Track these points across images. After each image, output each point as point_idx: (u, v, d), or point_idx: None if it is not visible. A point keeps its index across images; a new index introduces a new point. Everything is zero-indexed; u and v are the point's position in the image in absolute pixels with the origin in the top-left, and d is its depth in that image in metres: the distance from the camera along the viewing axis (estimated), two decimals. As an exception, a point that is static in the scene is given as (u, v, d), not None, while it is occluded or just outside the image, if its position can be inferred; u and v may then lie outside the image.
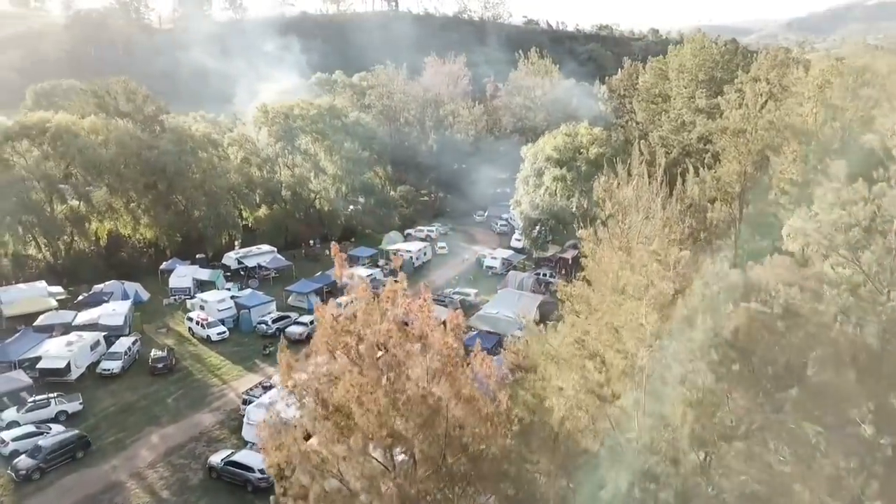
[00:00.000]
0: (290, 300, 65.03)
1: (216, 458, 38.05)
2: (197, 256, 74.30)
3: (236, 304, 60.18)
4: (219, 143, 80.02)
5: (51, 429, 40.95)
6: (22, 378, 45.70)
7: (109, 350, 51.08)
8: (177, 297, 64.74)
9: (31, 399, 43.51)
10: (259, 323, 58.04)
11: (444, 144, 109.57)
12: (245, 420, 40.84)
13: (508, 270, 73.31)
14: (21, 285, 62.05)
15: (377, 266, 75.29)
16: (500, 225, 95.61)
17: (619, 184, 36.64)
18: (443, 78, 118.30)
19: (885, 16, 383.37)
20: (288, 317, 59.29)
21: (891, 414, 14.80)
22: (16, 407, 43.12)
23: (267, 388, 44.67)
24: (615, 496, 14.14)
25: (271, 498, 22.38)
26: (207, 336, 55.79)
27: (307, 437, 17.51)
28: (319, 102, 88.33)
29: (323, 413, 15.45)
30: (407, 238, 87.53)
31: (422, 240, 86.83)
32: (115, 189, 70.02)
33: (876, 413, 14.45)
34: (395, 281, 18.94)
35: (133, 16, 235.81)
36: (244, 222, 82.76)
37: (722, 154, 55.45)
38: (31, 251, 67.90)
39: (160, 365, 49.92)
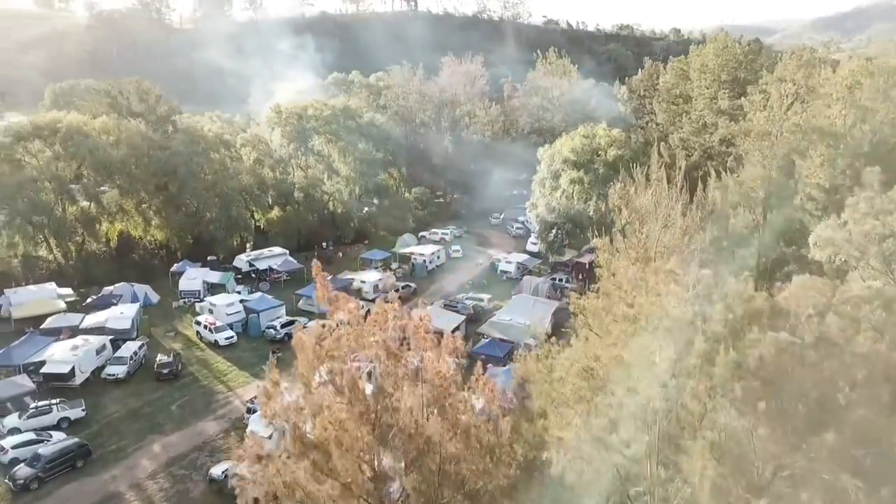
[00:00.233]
0: (300, 304, 63.99)
1: (217, 470, 36.95)
2: (208, 258, 73.52)
3: (245, 307, 59.22)
4: (231, 144, 79.25)
5: (51, 436, 40.11)
6: (25, 383, 44.96)
7: (115, 355, 50.27)
8: (186, 300, 63.94)
9: (32, 405, 42.71)
10: (268, 327, 57.02)
11: (459, 145, 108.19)
12: (248, 430, 39.68)
13: (523, 275, 71.65)
14: (31, 287, 61.58)
15: (389, 269, 74.09)
16: (516, 228, 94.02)
17: (636, 189, 35.01)
18: (460, 78, 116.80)
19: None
20: (297, 321, 58.16)
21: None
22: (18, 413, 42.38)
23: (272, 397, 43.49)
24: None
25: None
26: (215, 341, 54.88)
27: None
28: (333, 103, 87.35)
29: (300, 450, 14.15)
30: (421, 241, 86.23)
31: (436, 242, 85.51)
32: (125, 190, 69.45)
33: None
34: (387, 301, 17.42)
35: (154, 16, 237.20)
36: (256, 223, 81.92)
37: (745, 157, 53.44)
38: (42, 252, 67.45)
39: (165, 370, 49.04)
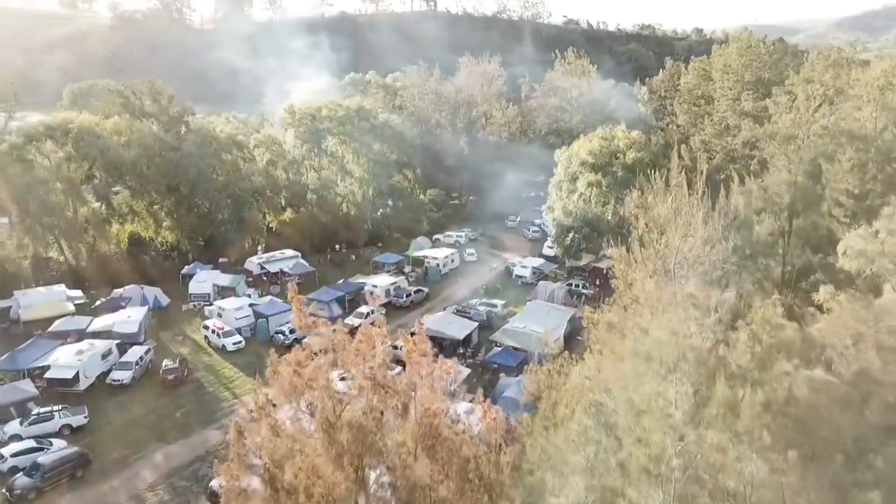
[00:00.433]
0: (311, 308, 62.71)
1: (217, 483, 35.80)
2: (220, 261, 72.75)
3: (254, 312, 58.22)
4: (244, 145, 78.44)
5: (52, 444, 39.26)
6: (28, 388, 44.25)
7: (121, 359, 49.44)
8: (196, 303, 63.10)
9: (34, 411, 41.97)
10: (276, 333, 55.94)
11: (475, 147, 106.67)
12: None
13: (539, 280, 69.97)
14: (40, 288, 61.09)
15: (402, 273, 72.83)
16: (532, 231, 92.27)
17: (654, 196, 33.35)
18: (477, 78, 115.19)
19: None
20: (306, 327, 57.02)
21: None
22: (19, 419, 41.65)
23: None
24: None
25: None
26: (223, 346, 53.92)
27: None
28: (348, 104, 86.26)
29: (271, 496, 12.84)
30: (435, 244, 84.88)
31: (450, 245, 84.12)
32: (136, 191, 68.86)
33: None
34: (373, 323, 16.02)
35: (175, 16, 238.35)
36: (268, 224, 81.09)
37: (770, 161, 51.41)
38: (53, 254, 67.02)
39: (171, 377, 48.13)
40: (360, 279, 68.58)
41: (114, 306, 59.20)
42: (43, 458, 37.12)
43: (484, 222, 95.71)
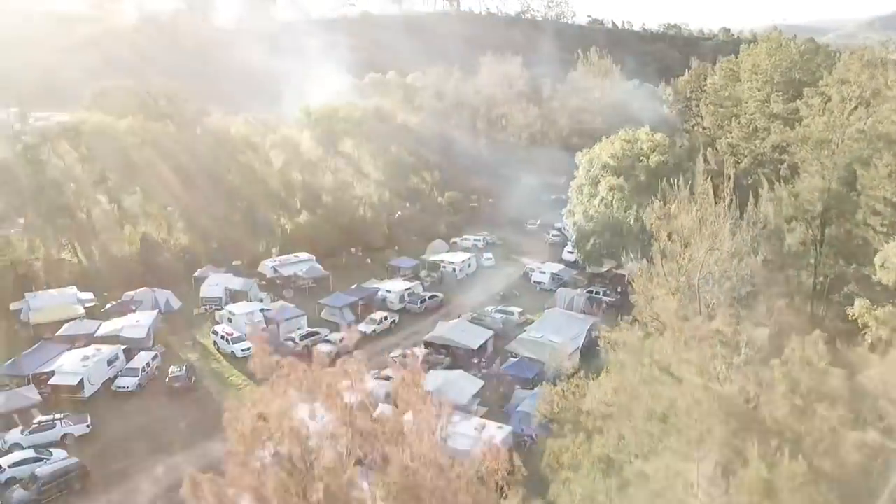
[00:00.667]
0: (323, 314, 61.56)
1: (217, 500, 34.41)
2: (233, 263, 71.74)
3: (265, 317, 56.98)
4: (259, 146, 77.42)
5: (51, 454, 38.22)
6: (31, 395, 43.37)
7: (127, 366, 48.45)
8: (207, 307, 62.07)
9: (35, 420, 41.04)
10: (286, 339, 54.59)
11: (495, 148, 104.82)
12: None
13: (558, 287, 67.92)
14: (51, 291, 60.39)
15: (418, 279, 71.27)
16: (553, 235, 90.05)
17: (678, 204, 31.33)
18: (498, 79, 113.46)
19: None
20: (317, 333, 55.69)
21: None
22: (20, 427, 40.75)
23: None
24: None
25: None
26: (232, 352, 52.69)
27: None
28: (365, 104, 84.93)
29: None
30: (452, 247, 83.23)
31: (467, 249, 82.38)
32: (149, 193, 68.12)
33: None
34: (351, 354, 14.36)
35: (199, 17, 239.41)
36: (283, 227, 79.96)
37: (801, 166, 49.00)
38: (66, 255, 66.45)
39: (177, 384, 46.98)
40: (373, 284, 67.15)
41: (124, 310, 58.35)
42: (41, 470, 36.10)
43: (503, 225, 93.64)
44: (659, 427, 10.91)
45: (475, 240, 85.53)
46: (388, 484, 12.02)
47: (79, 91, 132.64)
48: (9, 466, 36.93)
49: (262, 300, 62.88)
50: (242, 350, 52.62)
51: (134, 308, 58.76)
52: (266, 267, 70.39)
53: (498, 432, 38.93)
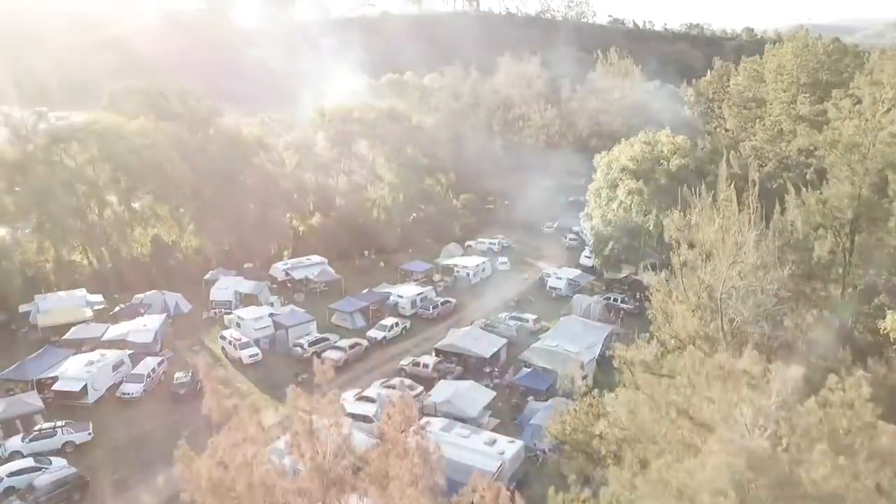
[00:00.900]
0: (334, 319, 60.40)
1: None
2: (245, 266, 70.91)
3: (274, 322, 55.92)
4: (272, 147, 76.51)
5: (51, 463, 37.34)
6: (34, 401, 42.57)
7: (132, 371, 47.56)
8: (216, 310, 61.18)
9: (36, 427, 40.24)
10: (295, 345, 53.52)
11: (512, 149, 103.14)
12: (255, 468, 36.00)
13: (574, 293, 66.19)
14: (61, 293, 59.85)
15: (431, 283, 69.94)
16: (570, 239, 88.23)
17: (700, 212, 29.61)
18: (515, 79, 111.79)
19: None
20: (326, 339, 54.54)
21: None
22: (21, 434, 39.96)
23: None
24: None
25: None
26: (239, 358, 51.67)
27: None
28: (380, 105, 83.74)
29: None
30: (467, 250, 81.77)
31: (482, 253, 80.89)
32: (159, 194, 67.44)
33: None
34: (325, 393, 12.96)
35: (220, 16, 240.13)
36: (296, 229, 79.02)
37: (830, 171, 46.84)
38: (76, 257, 65.94)
39: (182, 391, 46.00)
40: (385, 288, 65.92)
41: (132, 313, 57.64)
42: (39, 481, 35.19)
43: (519, 228, 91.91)
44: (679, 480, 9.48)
45: (490, 243, 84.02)
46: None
47: (101, 91, 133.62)
48: (7, 476, 36.03)
49: (272, 304, 61.95)
50: (250, 356, 51.74)
51: (143, 311, 58.06)
52: (277, 270, 69.50)
53: (509, 447, 37.53)
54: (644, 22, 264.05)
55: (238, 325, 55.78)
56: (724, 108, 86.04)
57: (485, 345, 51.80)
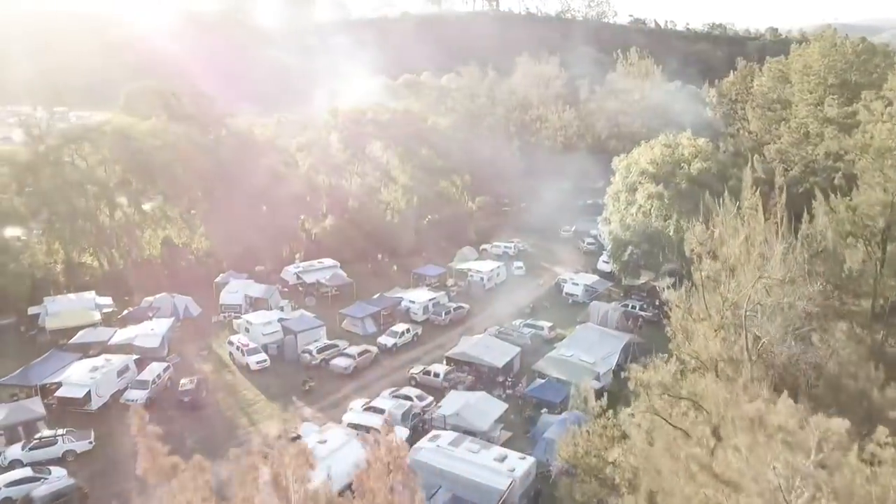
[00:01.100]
0: (344, 324, 59.21)
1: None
2: (256, 269, 69.96)
3: (283, 327, 54.80)
4: (285, 149, 75.54)
5: (50, 473, 36.43)
6: (36, 407, 41.76)
7: (137, 377, 46.65)
8: (226, 314, 60.26)
9: (37, 435, 39.41)
10: (303, 351, 52.35)
11: (529, 151, 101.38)
12: (256, 482, 34.79)
13: (591, 300, 64.42)
14: (70, 295, 59.21)
15: (445, 287, 68.56)
16: (588, 243, 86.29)
17: (723, 223, 27.91)
18: (533, 80, 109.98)
19: None
20: (335, 345, 53.33)
21: None
22: (22, 442, 39.15)
23: (292, 440, 38.54)
24: None
25: None
26: (246, 364, 50.62)
27: None
28: (395, 106, 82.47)
29: None
30: (482, 254, 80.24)
31: (497, 257, 79.37)
32: (170, 196, 66.70)
33: None
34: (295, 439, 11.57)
35: (241, 17, 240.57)
36: (310, 229, 77.94)
37: (860, 177, 44.74)
38: (87, 259, 65.37)
39: (186, 398, 44.98)
40: (398, 293, 64.67)
41: (140, 316, 56.85)
42: (37, 492, 34.30)
43: (535, 232, 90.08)
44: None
45: (506, 247, 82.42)
46: None
47: (120, 91, 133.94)
48: (5, 486, 35.20)
49: (282, 308, 60.90)
50: (257, 362, 50.70)
51: (151, 315, 57.22)
52: (289, 273, 68.48)
53: (520, 463, 36.01)
54: (665, 22, 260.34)
55: (246, 330, 54.81)
56: (747, 109, 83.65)
57: (498, 354, 50.29)
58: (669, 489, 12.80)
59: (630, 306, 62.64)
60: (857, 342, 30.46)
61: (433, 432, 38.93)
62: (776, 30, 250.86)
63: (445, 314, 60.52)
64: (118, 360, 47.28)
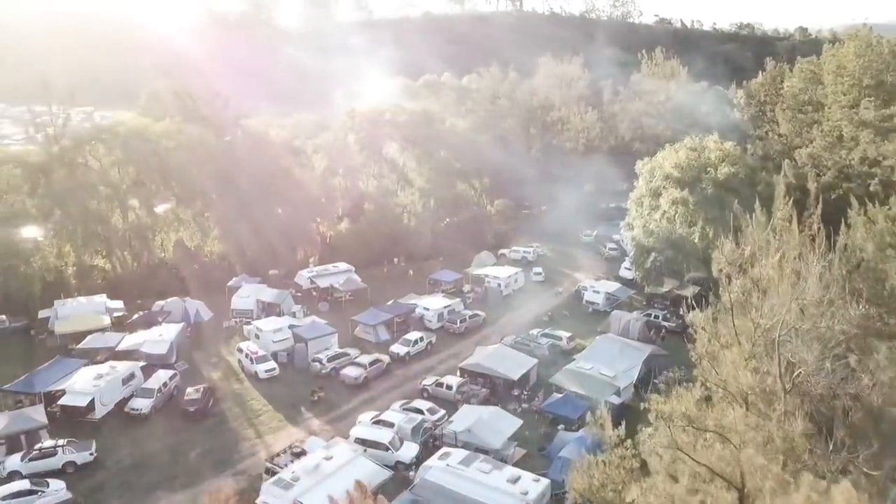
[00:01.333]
0: (357, 331, 57.74)
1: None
2: (270, 272, 68.83)
3: (294, 334, 53.44)
4: (300, 150, 74.32)
5: (48, 486, 35.32)
6: (38, 416, 40.77)
7: (143, 385, 45.54)
8: (237, 319, 59.14)
9: (36, 446, 38.37)
10: (314, 360, 50.91)
11: (550, 153, 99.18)
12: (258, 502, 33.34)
13: (613, 308, 62.23)
14: (81, 299, 58.57)
15: (462, 293, 66.82)
16: (609, 249, 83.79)
17: (753, 233, 25.85)
18: (555, 80, 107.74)
19: None
20: (346, 354, 51.82)
21: None
22: (23, 452, 38.15)
23: (297, 455, 37.11)
24: None
25: None
26: (255, 372, 49.30)
27: None
28: (412, 107, 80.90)
29: None
30: (500, 259, 78.31)
31: (516, 262, 77.39)
32: (183, 198, 65.78)
33: None
34: None
35: (264, 17, 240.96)
36: (325, 232, 76.70)
37: (900, 184, 42.37)
38: (98, 261, 64.72)
39: (192, 408, 43.74)
40: (412, 299, 63.05)
41: (150, 321, 55.97)
42: (34, 505, 33.33)
43: (556, 236, 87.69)
44: None
45: (524, 252, 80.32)
46: None
47: (142, 91, 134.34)
48: (2, 499, 34.17)
49: (294, 314, 59.64)
50: (266, 371, 49.40)
51: (161, 319, 56.32)
52: (303, 277, 67.20)
53: (534, 486, 34.13)
54: (692, 21, 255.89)
55: (256, 337, 53.58)
56: (776, 111, 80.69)
57: (513, 365, 48.39)
58: None
59: (653, 316, 60.36)
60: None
61: (443, 450, 37.22)
62: (806, 29, 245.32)
63: (460, 322, 58.79)
64: (124, 367, 46.25)
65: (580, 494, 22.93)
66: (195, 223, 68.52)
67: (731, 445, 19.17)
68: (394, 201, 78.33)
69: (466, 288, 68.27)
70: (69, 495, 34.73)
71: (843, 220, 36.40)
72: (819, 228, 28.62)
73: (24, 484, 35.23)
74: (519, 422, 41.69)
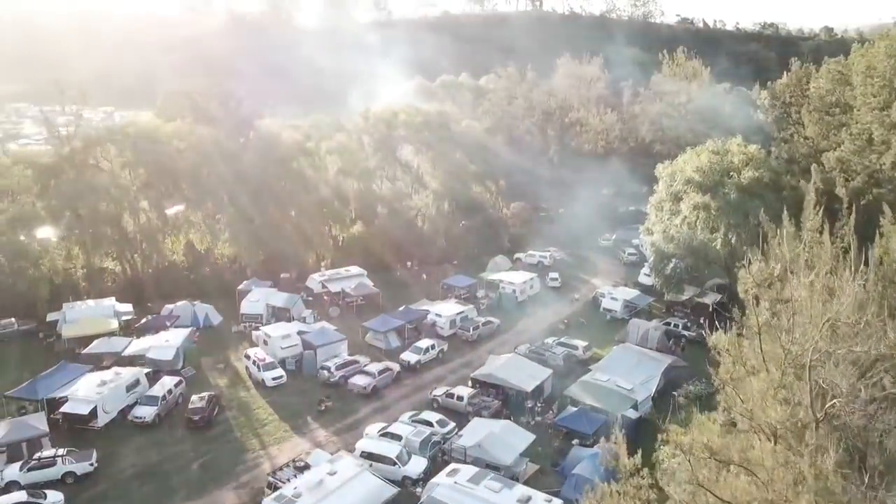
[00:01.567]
0: (367, 338, 56.46)
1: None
2: (281, 276, 67.74)
3: (303, 340, 52.27)
4: (313, 152, 73.18)
5: (45, 497, 34.43)
6: (39, 424, 39.96)
7: (147, 393, 44.60)
8: (246, 324, 58.13)
9: (35, 455, 37.51)
10: (322, 367, 49.67)
11: (568, 155, 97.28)
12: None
13: (631, 316, 60.40)
14: (90, 301, 57.91)
15: (476, 299, 65.28)
16: (629, 254, 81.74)
17: (781, 246, 24.09)
18: (574, 81, 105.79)
19: None
20: (356, 361, 50.55)
21: None
22: (20, 463, 37.29)
23: (300, 469, 35.87)
24: None
25: None
26: (262, 380, 48.17)
27: None
28: (427, 109, 79.52)
29: None
30: (515, 263, 76.65)
31: (532, 266, 75.72)
32: (193, 200, 64.93)
33: None
34: None
35: (284, 17, 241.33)
36: (337, 235, 75.55)
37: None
38: (108, 264, 64.07)
39: (196, 417, 42.70)
40: (424, 305, 61.67)
41: (158, 325, 55.15)
42: (29, 520, 32.40)
43: (573, 240, 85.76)
44: None
45: (541, 256, 78.53)
46: None
47: (161, 91, 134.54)
48: (-2, 511, 33.42)
49: (304, 318, 58.50)
50: (273, 378, 48.24)
51: (169, 324, 55.50)
52: (314, 281, 66.06)
53: (546, 507, 32.62)
54: (714, 21, 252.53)
55: (265, 343, 52.55)
56: (802, 113, 78.08)
57: (527, 376, 46.80)
58: None
59: (672, 325, 58.45)
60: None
61: (452, 466, 35.76)
62: (831, 29, 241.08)
63: (473, 329, 57.29)
64: (128, 373, 45.45)
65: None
66: (206, 225, 67.64)
67: (757, 479, 17.59)
68: (407, 204, 77.01)
69: (480, 293, 66.72)
70: (66, 508, 33.82)
71: (875, 230, 34.50)
72: (850, 242, 26.83)
73: (20, 496, 34.35)
74: (531, 437, 40.12)
